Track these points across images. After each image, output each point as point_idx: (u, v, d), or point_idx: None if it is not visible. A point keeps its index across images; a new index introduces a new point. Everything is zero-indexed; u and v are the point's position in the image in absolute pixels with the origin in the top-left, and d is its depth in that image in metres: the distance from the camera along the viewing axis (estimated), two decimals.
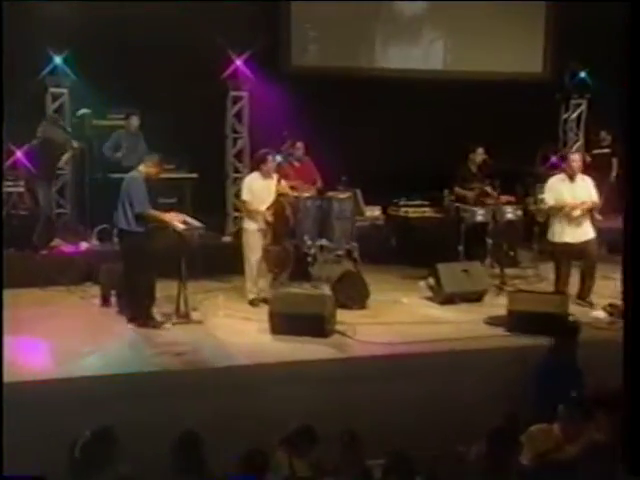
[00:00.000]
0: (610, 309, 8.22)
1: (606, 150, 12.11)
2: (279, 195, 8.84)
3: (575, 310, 8.19)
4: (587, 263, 8.64)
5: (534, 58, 12.97)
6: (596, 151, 12.21)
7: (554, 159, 12.40)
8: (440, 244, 10.12)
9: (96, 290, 8.82)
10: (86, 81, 10.38)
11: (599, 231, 8.89)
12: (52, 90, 10.52)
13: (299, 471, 5.14)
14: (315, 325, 7.51)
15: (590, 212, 8.70)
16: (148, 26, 10.41)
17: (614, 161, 11.94)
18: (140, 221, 7.74)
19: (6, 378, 6.03)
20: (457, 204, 10.24)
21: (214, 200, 10.92)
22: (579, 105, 13.02)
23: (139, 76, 10.42)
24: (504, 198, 9.99)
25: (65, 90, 10.55)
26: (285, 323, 7.59)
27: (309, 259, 9.21)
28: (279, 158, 9.61)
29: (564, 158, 9.39)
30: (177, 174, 10.35)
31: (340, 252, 9.40)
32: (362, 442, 5.17)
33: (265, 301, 8.41)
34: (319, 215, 9.33)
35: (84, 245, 10.06)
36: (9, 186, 9.83)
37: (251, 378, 6.80)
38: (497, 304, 8.58)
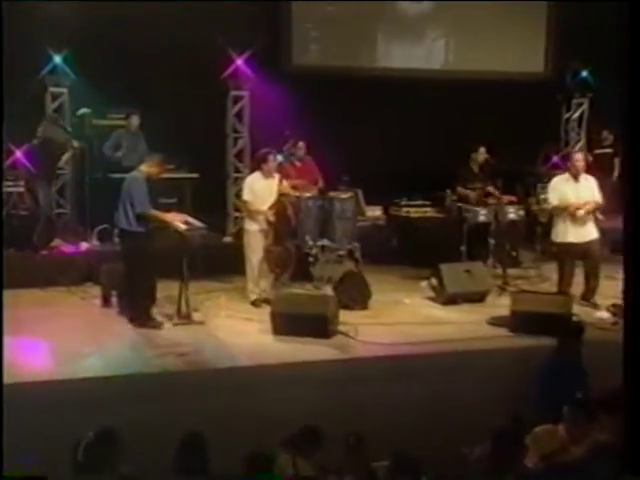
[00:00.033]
0: (614, 309, 8.17)
1: (608, 150, 12.07)
2: (281, 195, 8.81)
3: (578, 310, 8.16)
4: (591, 263, 8.60)
5: (536, 58, 12.94)
6: (598, 151, 12.17)
7: (556, 159, 12.37)
8: (441, 244, 10.09)
9: (97, 290, 8.79)
10: (86, 80, 10.34)
11: (601, 231, 8.85)
12: (52, 89, 10.48)
13: (303, 472, 5.10)
14: (318, 326, 7.47)
15: (594, 212, 8.66)
16: (148, 26, 10.38)
17: (616, 161, 11.90)
18: (141, 221, 7.70)
19: (6, 379, 5.99)
20: (459, 204, 10.21)
21: (214, 200, 10.88)
22: (581, 104, 13.00)
23: (139, 76, 10.39)
24: (506, 198, 9.96)
25: (65, 89, 10.51)
26: (287, 324, 7.56)
27: (310, 259, 9.18)
28: (280, 158, 9.57)
29: (567, 158, 9.35)
30: (177, 174, 10.30)
31: (342, 252, 9.39)
32: (367, 444, 5.13)
33: (267, 302, 8.39)
34: (321, 215, 9.31)
35: (84, 245, 10.02)
36: (9, 186, 9.80)
37: (253, 379, 6.77)
38: (500, 304, 8.56)
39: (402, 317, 8.34)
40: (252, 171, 9.16)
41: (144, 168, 7.91)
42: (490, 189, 10.16)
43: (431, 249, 9.83)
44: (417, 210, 11.23)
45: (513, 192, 10.49)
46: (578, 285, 8.73)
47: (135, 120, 10.34)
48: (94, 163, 10.28)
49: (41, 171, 9.85)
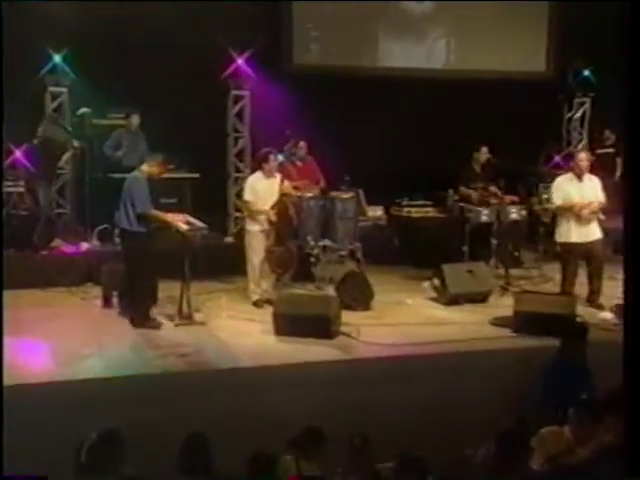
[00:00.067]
0: (617, 310, 8.13)
1: (610, 149, 12.01)
2: (283, 195, 8.77)
3: (582, 311, 8.12)
4: (594, 264, 8.56)
5: (537, 57, 12.91)
6: (600, 150, 12.09)
7: (558, 159, 12.33)
8: (443, 244, 10.07)
9: (97, 291, 8.76)
10: (86, 80, 10.30)
11: (604, 231, 8.80)
12: (51, 89, 10.43)
13: (307, 473, 5.06)
14: (320, 326, 7.44)
15: (598, 212, 8.62)
16: (148, 25, 10.35)
17: (618, 160, 11.84)
18: (142, 221, 7.67)
19: (6, 380, 5.95)
20: (461, 204, 10.17)
21: (215, 200, 10.84)
22: (583, 104, 12.95)
23: (139, 75, 10.35)
24: (509, 198, 9.92)
25: (64, 89, 10.46)
26: (290, 324, 7.53)
27: (312, 259, 9.14)
28: (281, 157, 9.53)
29: (571, 157, 9.30)
30: (177, 174, 10.25)
31: (343, 252, 9.34)
32: (373, 445, 5.09)
33: (269, 302, 8.35)
34: (322, 215, 9.25)
35: (85, 245, 9.99)
36: (9, 186, 9.76)
37: (255, 380, 6.73)
38: (502, 305, 8.53)
39: (405, 318, 8.30)
40: (253, 171, 9.14)
41: (145, 168, 7.87)
42: (492, 189, 10.13)
43: (433, 249, 9.82)
44: (418, 210, 11.18)
45: (515, 192, 10.45)
46: (580, 285, 8.69)
47: (135, 120, 10.30)
48: (94, 163, 10.24)
49: (41, 171, 9.82)
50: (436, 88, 11.60)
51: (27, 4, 9.77)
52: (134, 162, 8.61)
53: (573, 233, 8.48)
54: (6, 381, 5.93)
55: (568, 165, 9.47)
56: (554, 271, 9.30)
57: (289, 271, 8.99)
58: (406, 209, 11.20)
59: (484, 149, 10.31)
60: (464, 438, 5.86)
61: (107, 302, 8.51)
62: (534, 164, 12.09)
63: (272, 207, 8.56)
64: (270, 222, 8.54)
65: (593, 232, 8.53)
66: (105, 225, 9.89)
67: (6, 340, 6.33)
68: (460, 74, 12.33)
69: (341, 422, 6.00)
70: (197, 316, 7.98)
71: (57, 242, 9.94)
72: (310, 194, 9.43)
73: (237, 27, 10.82)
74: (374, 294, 8.63)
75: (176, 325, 7.83)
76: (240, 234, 9.47)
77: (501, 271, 9.49)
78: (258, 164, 8.82)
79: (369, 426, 5.74)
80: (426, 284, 9.21)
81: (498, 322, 8.06)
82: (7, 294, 7.37)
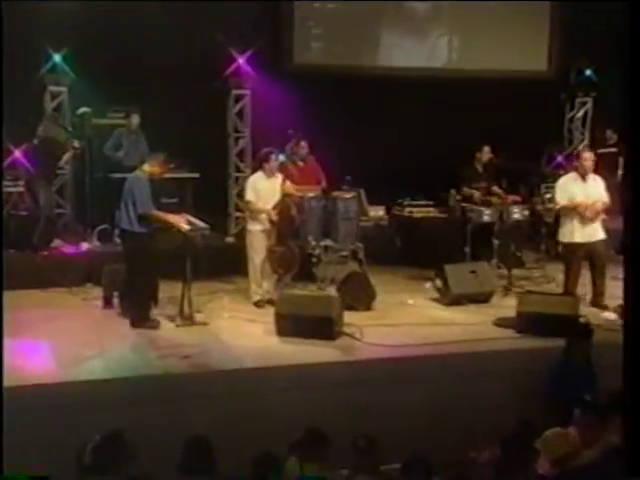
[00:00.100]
0: (621, 310, 8.08)
1: (612, 149, 11.97)
2: (284, 195, 8.72)
3: (585, 312, 8.07)
4: (597, 264, 8.51)
5: (539, 56, 12.87)
6: (602, 150, 12.04)
7: (560, 158, 12.29)
8: (445, 244, 10.03)
9: (98, 291, 8.72)
10: (85, 79, 10.26)
11: (606, 231, 8.76)
12: (51, 88, 10.39)
13: (310, 475, 5.02)
14: (322, 327, 7.40)
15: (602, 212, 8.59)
16: (148, 25, 10.33)
17: (620, 160, 11.81)
18: (143, 222, 7.63)
19: (7, 382, 5.91)
20: (463, 204, 10.14)
21: (216, 200, 10.81)
22: (584, 103, 12.90)
23: (139, 75, 10.32)
24: (511, 198, 9.89)
25: (64, 88, 10.42)
26: (292, 325, 7.49)
27: (313, 260, 9.09)
28: (282, 157, 9.49)
29: (575, 157, 9.25)
30: (178, 174, 10.20)
31: (345, 253, 9.30)
32: (378, 447, 5.05)
33: (270, 302, 8.31)
34: (324, 215, 9.21)
35: (85, 246, 9.95)
36: (9, 186, 9.72)
37: (258, 381, 6.71)
38: (505, 305, 8.51)
39: (407, 318, 8.26)
40: (254, 171, 9.11)
41: (147, 168, 7.83)
42: (494, 189, 10.09)
43: (435, 249, 9.79)
44: (420, 210, 11.15)
45: (517, 192, 10.42)
46: (582, 286, 8.65)
47: (135, 119, 10.26)
48: (94, 163, 10.21)
49: (41, 171, 9.80)
50: (438, 87, 11.58)
51: (27, 4, 9.72)
52: (134, 162, 8.58)
53: (577, 233, 8.44)
54: (6, 382, 5.88)
55: (570, 165, 9.41)
56: (556, 271, 9.27)
57: (291, 271, 8.92)
58: (408, 209, 11.16)
59: (486, 149, 10.28)
60: (468, 439, 5.83)
61: (108, 303, 8.47)
62: (536, 164, 12.04)
63: (274, 207, 8.52)
64: (271, 222, 8.51)
65: (596, 232, 8.49)
66: (105, 225, 9.86)
67: (6, 341, 6.28)
68: (462, 73, 12.31)
69: (345, 423, 5.97)
70: (198, 317, 7.94)
71: (57, 242, 9.90)
72: (312, 194, 9.38)
73: (238, 26, 10.80)
74: (376, 294, 8.58)
75: (177, 326, 7.80)
76: (241, 234, 9.43)
77: (503, 271, 9.44)
78: (259, 164, 8.79)
79: (372, 427, 5.70)
80: (428, 284, 9.17)
81: (501, 323, 8.01)
82: (7, 294, 7.31)
